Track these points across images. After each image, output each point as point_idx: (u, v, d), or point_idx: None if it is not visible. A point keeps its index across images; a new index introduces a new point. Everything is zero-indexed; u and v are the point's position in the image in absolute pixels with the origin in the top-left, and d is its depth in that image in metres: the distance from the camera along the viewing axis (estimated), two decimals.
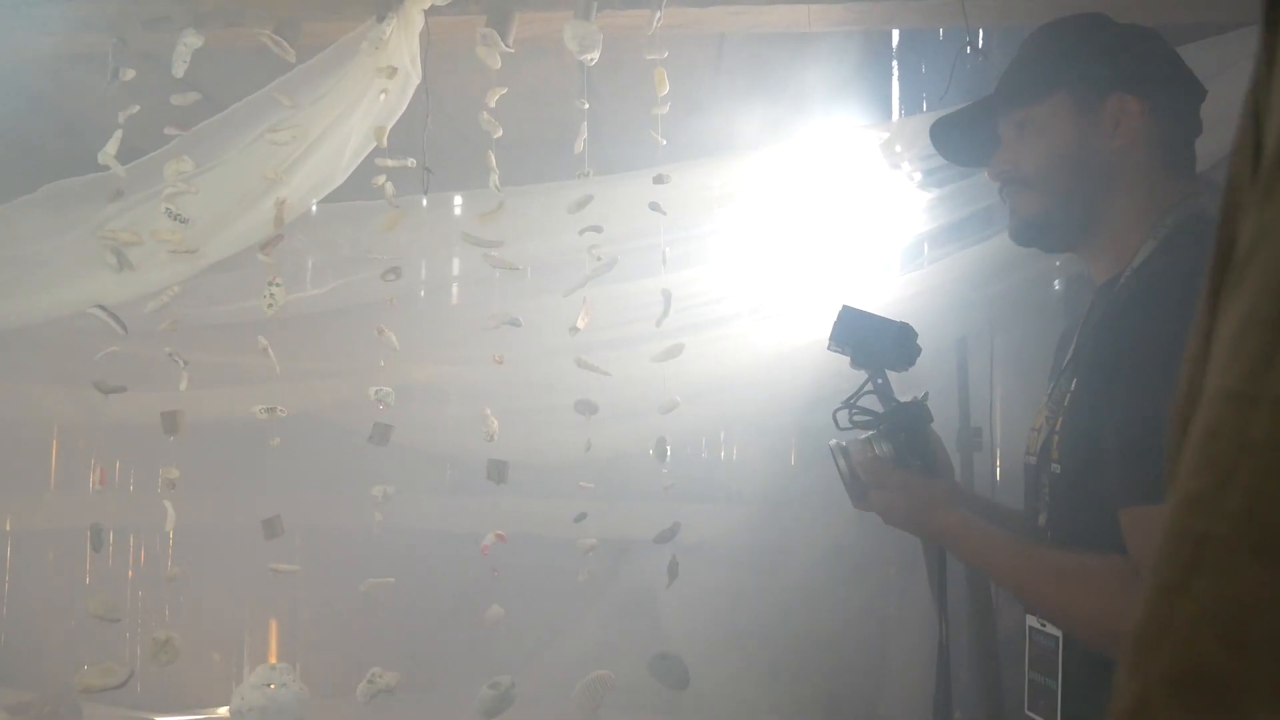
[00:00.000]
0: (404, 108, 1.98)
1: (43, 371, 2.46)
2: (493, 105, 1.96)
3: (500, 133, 1.95)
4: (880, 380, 1.62)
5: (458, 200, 2.24)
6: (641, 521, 2.96)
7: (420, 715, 3.26)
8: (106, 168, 1.93)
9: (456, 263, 2.44)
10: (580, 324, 1.98)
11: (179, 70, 1.93)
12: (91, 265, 1.92)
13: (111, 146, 1.93)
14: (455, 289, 2.91)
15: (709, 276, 2.43)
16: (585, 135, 1.97)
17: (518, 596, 2.09)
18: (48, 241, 1.94)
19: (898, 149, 2.24)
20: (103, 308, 1.89)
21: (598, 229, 1.96)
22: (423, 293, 2.65)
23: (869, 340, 1.61)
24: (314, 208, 2.11)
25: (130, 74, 1.98)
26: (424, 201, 2.13)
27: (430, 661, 3.23)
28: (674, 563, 2.06)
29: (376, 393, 1.92)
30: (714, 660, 3.13)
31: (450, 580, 3.05)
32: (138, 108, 1.95)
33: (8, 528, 3.58)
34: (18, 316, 1.93)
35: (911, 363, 1.62)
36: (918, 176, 2.30)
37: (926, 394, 1.63)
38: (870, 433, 1.59)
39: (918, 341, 1.61)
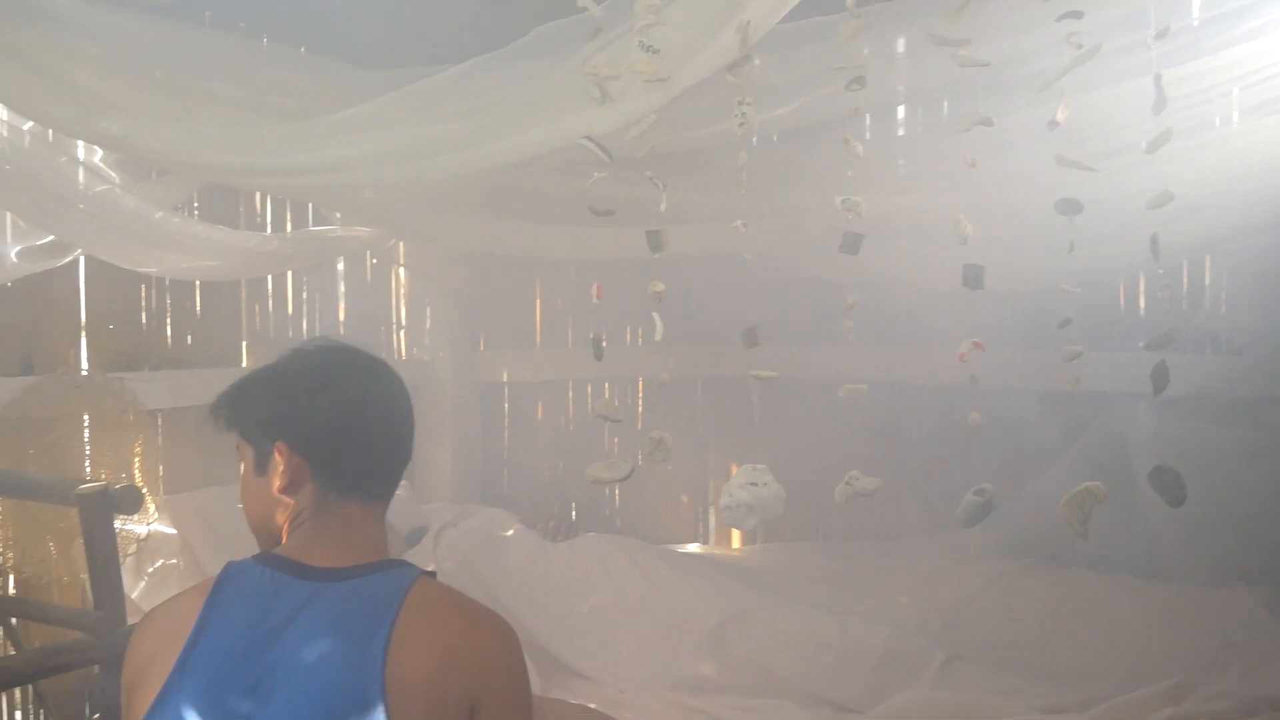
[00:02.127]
0: None
1: (533, 211, 2.70)
2: None
3: None
4: None
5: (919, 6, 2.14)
6: (1117, 372, 2.78)
7: (897, 519, 3.32)
8: (585, 9, 2.05)
9: (911, 77, 2.35)
10: (1059, 117, 1.86)
11: None
12: (577, 100, 2.06)
13: None
14: (901, 111, 2.84)
15: (1199, 73, 2.19)
16: None
17: (992, 409, 2.02)
18: (539, 81, 2.11)
19: None
20: (590, 139, 2.03)
21: (1077, 14, 1.82)
22: (867, 118, 2.59)
23: None
24: (775, 27, 2.11)
25: None
26: (885, 10, 2.08)
27: (905, 469, 3.26)
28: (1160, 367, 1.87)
29: (843, 202, 1.92)
30: (1207, 526, 2.87)
31: (926, 390, 3.04)
32: None
33: (504, 379, 4.04)
34: (517, 151, 2.11)
35: None
36: None
37: None
38: None
39: None
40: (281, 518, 1.48)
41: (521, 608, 2.75)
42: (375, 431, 1.48)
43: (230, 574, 1.43)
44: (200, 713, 1.32)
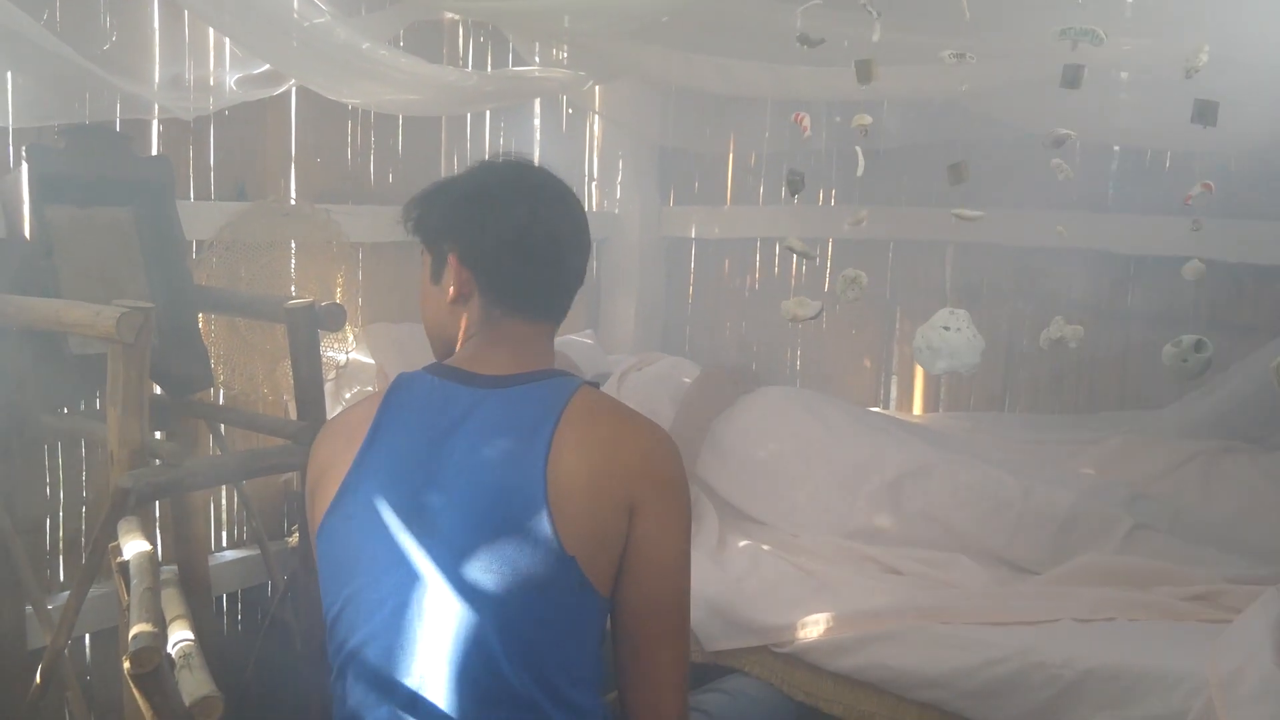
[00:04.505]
0: None
1: (736, 46, 2.64)
2: None
3: None
4: None
5: None
6: None
7: (1089, 395, 3.22)
8: None
9: None
10: None
11: None
12: None
13: None
14: None
15: None
16: None
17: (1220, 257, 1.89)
18: None
19: None
20: None
21: None
22: None
23: None
24: None
25: None
26: None
27: (1102, 343, 3.13)
28: None
29: (1063, 32, 1.79)
30: None
31: (1145, 238, 2.90)
32: None
33: (692, 234, 4.03)
34: None
35: None
36: None
37: None
38: None
39: None
40: (453, 328, 1.54)
41: (701, 451, 2.79)
42: (541, 253, 1.49)
43: (401, 383, 1.51)
44: (377, 500, 1.41)
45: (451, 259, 1.49)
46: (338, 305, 2.38)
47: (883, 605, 2.20)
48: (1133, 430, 3.02)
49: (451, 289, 1.50)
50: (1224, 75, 1.87)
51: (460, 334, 1.54)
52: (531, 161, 1.59)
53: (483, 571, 1.33)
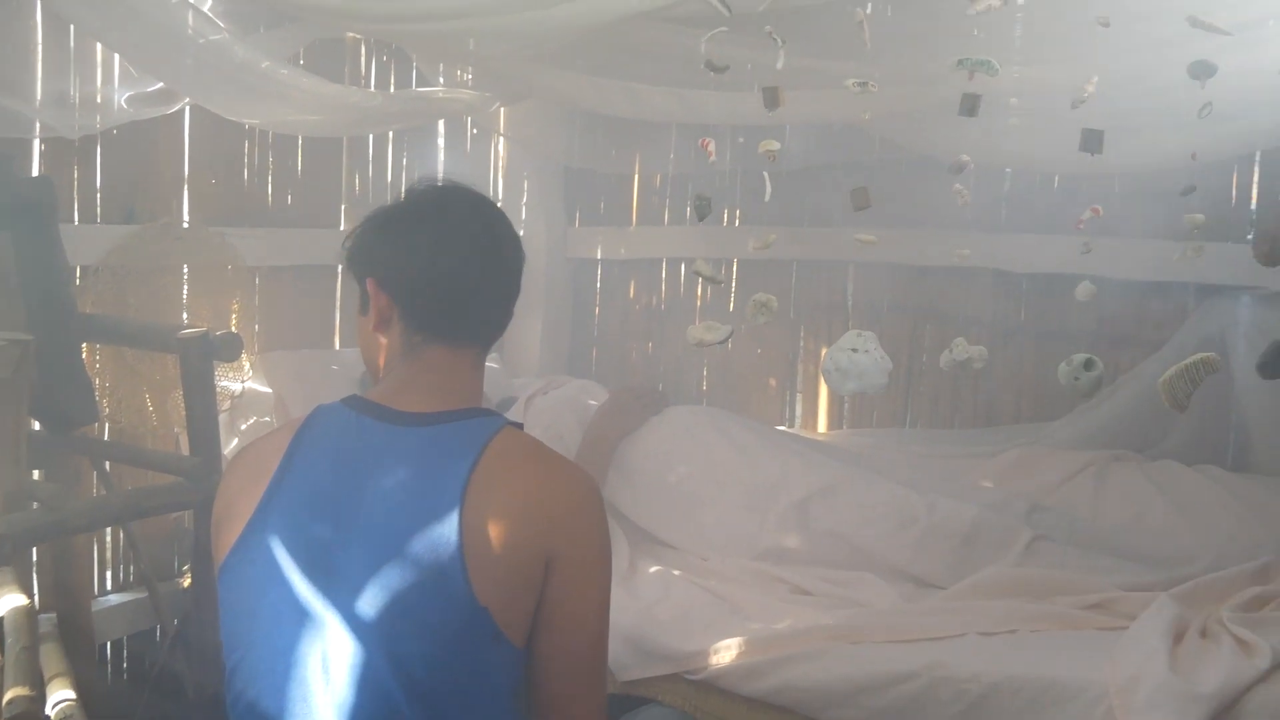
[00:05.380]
0: None
1: (644, 71, 2.65)
2: None
3: None
4: None
5: None
6: (1224, 265, 2.70)
7: (987, 409, 3.29)
8: None
9: None
10: None
11: None
12: None
13: None
14: None
15: None
16: None
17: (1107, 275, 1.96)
18: None
19: None
20: None
21: None
22: None
23: None
24: None
25: None
26: None
27: (1000, 360, 3.20)
28: None
29: (961, 62, 1.83)
30: None
31: (1038, 257, 2.98)
32: None
33: (598, 255, 4.02)
34: (635, 3, 2.03)
35: None
36: None
37: None
38: None
39: None
40: (381, 358, 1.48)
41: (609, 476, 2.78)
42: (460, 274, 1.43)
43: (318, 415, 1.45)
44: (282, 544, 1.35)
45: (370, 284, 1.45)
46: (233, 334, 2.32)
47: (792, 627, 2.21)
48: (1028, 442, 3.11)
49: (374, 317, 1.45)
50: (1108, 104, 1.93)
51: (384, 365, 1.48)
52: (459, 183, 1.53)
53: (390, 621, 1.28)
